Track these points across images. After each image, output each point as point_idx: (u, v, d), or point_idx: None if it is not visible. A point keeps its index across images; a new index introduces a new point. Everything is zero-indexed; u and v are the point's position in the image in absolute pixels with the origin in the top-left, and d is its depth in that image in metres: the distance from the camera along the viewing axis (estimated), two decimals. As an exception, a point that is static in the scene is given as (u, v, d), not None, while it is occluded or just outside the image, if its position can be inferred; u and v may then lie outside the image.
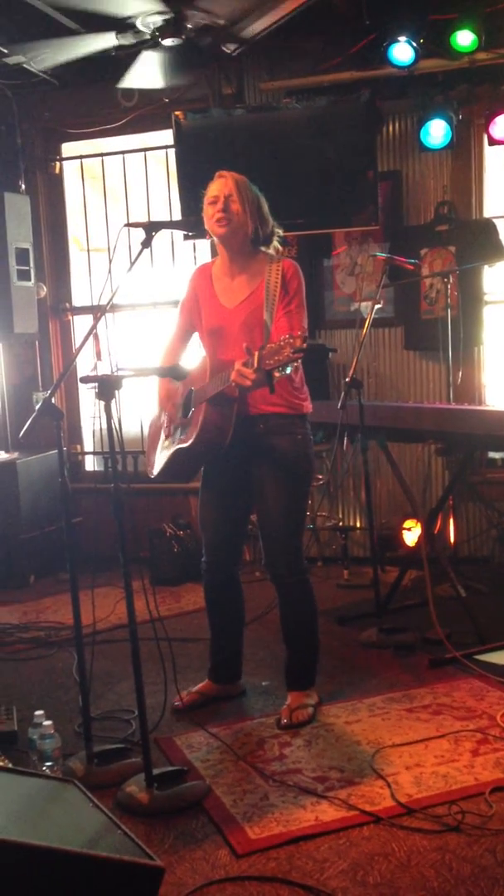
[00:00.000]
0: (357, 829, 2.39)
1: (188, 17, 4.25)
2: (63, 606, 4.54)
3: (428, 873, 2.17)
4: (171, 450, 3.06)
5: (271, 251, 3.08)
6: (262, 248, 3.06)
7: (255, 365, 2.52)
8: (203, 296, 3.12)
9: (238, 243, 3.01)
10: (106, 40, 4.53)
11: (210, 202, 3.00)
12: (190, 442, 2.94)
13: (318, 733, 2.98)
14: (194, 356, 3.17)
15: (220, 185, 3.00)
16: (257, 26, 4.42)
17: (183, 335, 3.25)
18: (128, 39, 4.50)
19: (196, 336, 3.22)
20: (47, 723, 2.73)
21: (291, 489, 3.04)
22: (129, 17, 4.29)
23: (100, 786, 2.60)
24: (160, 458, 3.16)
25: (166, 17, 4.23)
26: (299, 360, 2.56)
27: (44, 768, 2.65)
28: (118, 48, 4.63)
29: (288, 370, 2.52)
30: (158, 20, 4.26)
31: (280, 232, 3.11)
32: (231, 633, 3.30)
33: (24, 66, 4.84)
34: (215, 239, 3.05)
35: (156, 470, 3.17)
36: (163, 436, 3.19)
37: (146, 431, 3.52)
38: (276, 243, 3.09)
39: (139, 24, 4.32)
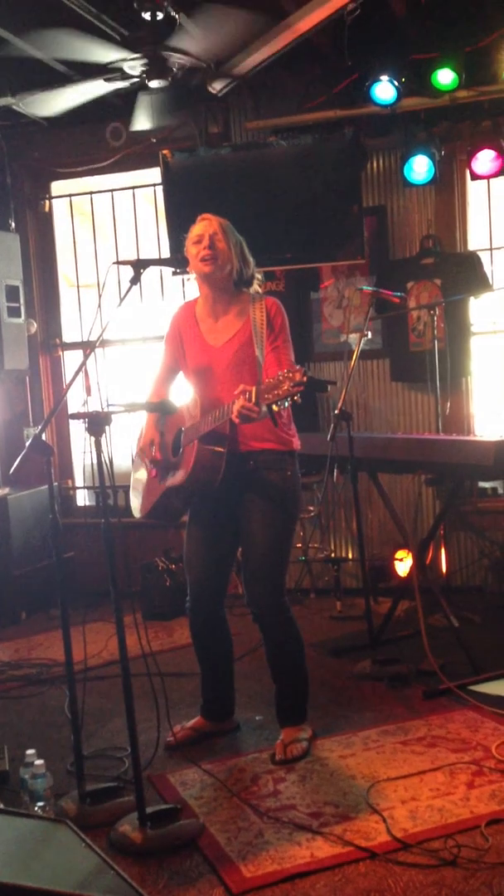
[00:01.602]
0: (353, 865, 2.37)
1: (165, 58, 4.31)
2: (55, 643, 4.51)
3: (425, 909, 2.15)
4: (161, 489, 3.06)
5: (252, 292, 3.11)
6: (244, 289, 3.10)
7: (253, 399, 2.55)
8: (187, 336, 3.14)
9: (223, 281, 3.04)
10: (96, 86, 4.61)
11: (194, 241, 3.02)
12: (182, 480, 2.94)
13: (312, 768, 2.96)
14: (183, 393, 3.19)
15: (205, 226, 3.04)
16: (242, 68, 4.50)
17: (168, 373, 3.26)
18: (116, 84, 4.57)
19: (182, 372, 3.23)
20: (39, 762, 2.69)
21: (279, 525, 3.04)
22: (110, 64, 4.36)
23: (92, 825, 2.58)
24: (147, 499, 3.15)
25: (143, 61, 4.30)
26: (298, 394, 2.56)
27: (35, 808, 2.62)
28: (113, 94, 4.70)
29: (286, 404, 2.54)
30: (137, 65, 4.33)
31: (260, 277, 3.15)
32: (220, 672, 3.28)
33: (13, 107, 4.92)
34: (199, 279, 3.07)
35: (141, 512, 3.16)
36: (149, 475, 3.19)
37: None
38: (256, 286, 3.12)
39: (126, 68, 4.40)
